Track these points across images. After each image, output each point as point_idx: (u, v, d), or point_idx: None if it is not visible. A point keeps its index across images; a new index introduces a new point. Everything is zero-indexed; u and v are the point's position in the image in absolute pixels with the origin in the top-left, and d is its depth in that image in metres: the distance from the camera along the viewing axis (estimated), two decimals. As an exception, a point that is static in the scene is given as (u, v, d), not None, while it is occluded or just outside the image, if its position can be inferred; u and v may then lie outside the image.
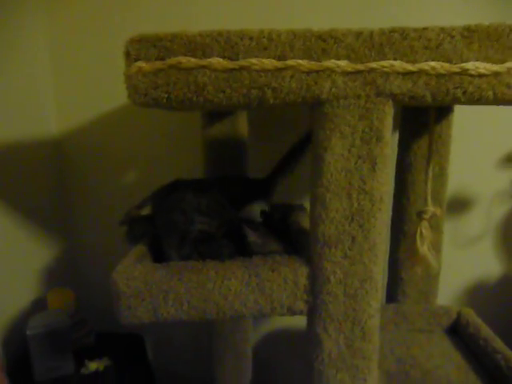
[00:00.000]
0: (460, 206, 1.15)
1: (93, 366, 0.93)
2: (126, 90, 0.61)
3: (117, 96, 1.07)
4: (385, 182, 0.62)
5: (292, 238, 0.78)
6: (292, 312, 0.66)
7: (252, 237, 0.72)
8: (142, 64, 0.58)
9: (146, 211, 0.84)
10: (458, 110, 0.92)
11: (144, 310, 0.65)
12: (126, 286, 0.64)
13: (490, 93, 0.57)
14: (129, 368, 0.96)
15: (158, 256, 0.74)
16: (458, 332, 0.99)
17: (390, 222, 1.02)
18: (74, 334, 0.96)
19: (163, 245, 0.73)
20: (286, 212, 0.93)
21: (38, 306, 1.02)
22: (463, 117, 0.96)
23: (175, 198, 0.76)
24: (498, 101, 0.58)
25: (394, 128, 0.98)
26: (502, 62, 0.56)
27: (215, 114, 0.99)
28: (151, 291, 0.64)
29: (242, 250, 0.72)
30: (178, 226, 0.72)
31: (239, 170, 1.02)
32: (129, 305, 0.64)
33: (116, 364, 0.95)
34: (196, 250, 0.71)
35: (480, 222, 1.16)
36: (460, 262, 1.17)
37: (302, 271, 0.65)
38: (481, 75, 0.56)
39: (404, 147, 0.96)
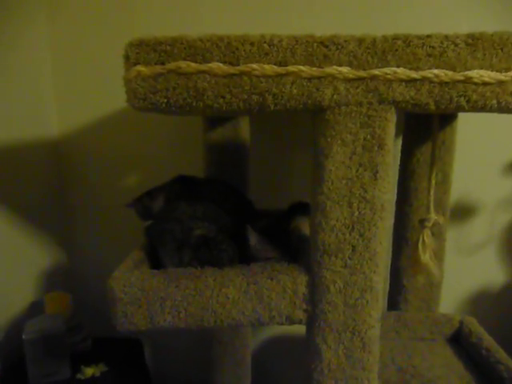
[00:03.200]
0: (463, 213, 1.14)
1: (89, 371, 0.92)
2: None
3: (118, 98, 1.06)
4: (386, 191, 0.61)
5: (293, 245, 0.77)
6: (291, 321, 0.66)
7: (253, 240, 0.71)
8: (141, 68, 0.57)
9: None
10: (462, 116, 0.91)
11: (141, 317, 0.64)
12: (122, 293, 0.63)
13: (494, 101, 0.56)
14: (126, 373, 0.95)
15: (156, 262, 0.73)
16: (460, 341, 0.98)
17: (392, 230, 1.01)
18: (70, 338, 0.95)
19: (159, 255, 0.72)
20: (288, 218, 0.92)
21: (35, 310, 1.01)
22: (467, 123, 0.95)
23: (168, 208, 0.76)
24: (501, 109, 0.57)
25: (398, 134, 0.98)
26: (507, 70, 0.55)
27: (217, 118, 0.98)
28: (148, 298, 0.63)
29: (241, 256, 0.71)
30: (174, 235, 0.71)
31: (240, 175, 1.01)
32: (125, 312, 0.63)
33: (113, 369, 0.94)
34: (196, 257, 0.70)
35: (483, 229, 1.15)
36: (463, 270, 1.16)
37: (302, 280, 0.64)
38: (485, 83, 0.55)
39: (407, 154, 0.95)
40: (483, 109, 0.57)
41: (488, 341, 0.91)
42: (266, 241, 0.74)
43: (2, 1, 0.93)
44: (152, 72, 0.57)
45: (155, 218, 0.78)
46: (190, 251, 0.70)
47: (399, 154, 0.98)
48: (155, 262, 0.73)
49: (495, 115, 0.64)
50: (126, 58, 0.58)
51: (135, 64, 0.58)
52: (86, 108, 1.12)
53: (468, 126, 0.97)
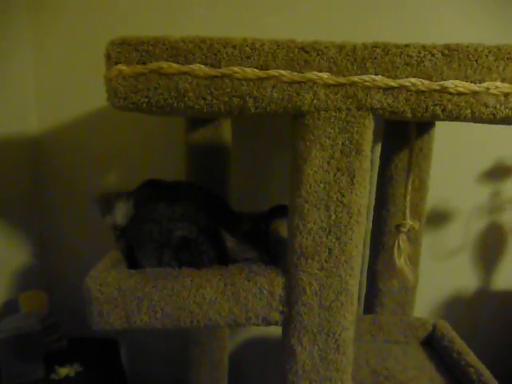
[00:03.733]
0: (439, 219, 1.16)
1: (63, 371, 0.90)
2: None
3: (100, 96, 1.05)
4: (363, 195, 0.62)
5: (272, 247, 0.77)
6: (267, 322, 0.66)
7: (230, 243, 0.72)
8: (122, 67, 0.57)
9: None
10: (440, 124, 0.93)
11: (117, 316, 0.63)
12: (98, 292, 0.63)
13: (468, 111, 0.57)
14: (101, 374, 0.94)
15: (134, 262, 0.73)
16: (432, 344, 1.00)
17: (370, 234, 1.03)
18: (45, 338, 0.94)
19: (136, 256, 0.72)
20: (267, 220, 0.93)
21: (10, 308, 1.00)
22: (444, 131, 0.97)
23: (146, 209, 0.75)
24: (475, 119, 0.59)
25: (377, 141, 1.00)
26: (480, 81, 0.57)
27: (199, 119, 0.98)
28: (124, 298, 0.63)
29: (220, 258, 0.72)
30: (153, 236, 0.71)
31: (221, 176, 1.01)
32: (101, 311, 0.63)
33: (88, 370, 0.93)
34: (175, 258, 0.70)
35: (458, 235, 1.18)
36: (437, 275, 1.18)
37: (278, 281, 0.65)
38: (460, 93, 0.57)
39: (386, 160, 0.97)
40: (458, 118, 0.59)
41: (459, 344, 0.93)
42: (245, 242, 0.75)
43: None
44: (133, 71, 0.57)
45: (132, 220, 0.77)
46: (170, 252, 0.70)
47: (378, 161, 1.00)
48: (133, 263, 0.72)
49: (471, 124, 0.66)
50: (108, 56, 0.58)
51: (116, 63, 0.58)
52: (67, 105, 1.10)
53: (445, 134, 0.99)
